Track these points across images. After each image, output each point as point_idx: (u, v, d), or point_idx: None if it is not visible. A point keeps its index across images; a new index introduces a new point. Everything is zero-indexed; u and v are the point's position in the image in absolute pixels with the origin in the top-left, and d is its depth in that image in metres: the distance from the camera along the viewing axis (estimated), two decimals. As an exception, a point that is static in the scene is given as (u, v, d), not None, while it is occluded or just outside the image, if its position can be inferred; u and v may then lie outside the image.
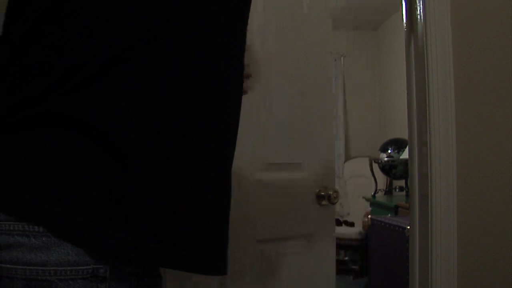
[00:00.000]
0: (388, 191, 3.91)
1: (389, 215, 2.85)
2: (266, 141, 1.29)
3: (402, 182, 3.59)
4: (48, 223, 0.39)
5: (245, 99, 0.54)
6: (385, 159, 3.48)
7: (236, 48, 0.48)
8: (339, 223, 4.17)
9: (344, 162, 4.64)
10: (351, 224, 4.11)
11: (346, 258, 4.17)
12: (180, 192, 0.43)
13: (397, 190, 3.63)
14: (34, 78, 0.42)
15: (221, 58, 0.46)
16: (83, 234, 0.39)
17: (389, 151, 3.53)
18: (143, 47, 0.42)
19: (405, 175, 3.32)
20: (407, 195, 3.27)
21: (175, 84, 0.42)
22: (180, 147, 0.43)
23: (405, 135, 1.72)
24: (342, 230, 3.98)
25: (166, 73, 0.42)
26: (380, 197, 3.66)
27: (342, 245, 3.98)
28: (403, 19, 1.62)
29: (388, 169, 3.47)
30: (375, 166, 3.67)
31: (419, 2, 1.50)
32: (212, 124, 0.45)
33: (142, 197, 0.41)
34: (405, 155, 3.36)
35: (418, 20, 1.52)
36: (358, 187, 4.40)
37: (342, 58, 4.77)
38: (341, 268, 4.08)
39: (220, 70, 0.45)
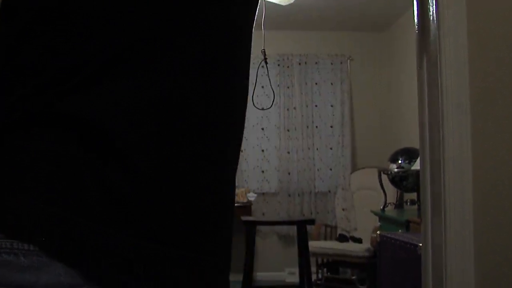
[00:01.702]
0: (399, 204, 3.90)
1: (400, 231, 2.86)
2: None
3: (414, 195, 3.58)
4: (43, 223, 0.40)
5: None
6: (395, 170, 3.49)
7: (237, 48, 0.50)
8: (345, 239, 4.14)
9: (351, 173, 4.64)
10: (359, 240, 4.09)
11: (354, 277, 4.15)
12: (180, 192, 0.45)
13: (408, 203, 3.63)
14: (31, 78, 0.44)
15: (222, 58, 0.48)
16: (82, 234, 0.40)
17: (400, 162, 3.53)
18: (143, 47, 0.44)
19: (417, 187, 3.31)
20: (419, 209, 3.26)
21: (175, 84, 0.44)
22: (180, 147, 0.45)
23: (417, 144, 1.73)
24: (349, 247, 3.95)
25: (166, 73, 0.44)
26: (390, 211, 3.66)
27: (349, 262, 3.95)
28: (414, 19, 1.63)
29: (399, 180, 3.47)
30: (385, 178, 3.66)
31: (432, 1, 1.51)
32: (212, 124, 0.47)
33: (142, 197, 0.43)
34: (417, 165, 3.36)
35: (431, 20, 1.53)
36: (365, 200, 4.40)
37: (348, 60, 4.79)
38: (348, 289, 4.05)
39: (220, 70, 0.47)
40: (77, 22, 0.43)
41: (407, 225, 2.95)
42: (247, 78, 0.52)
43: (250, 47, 0.53)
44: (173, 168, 0.44)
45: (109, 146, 0.42)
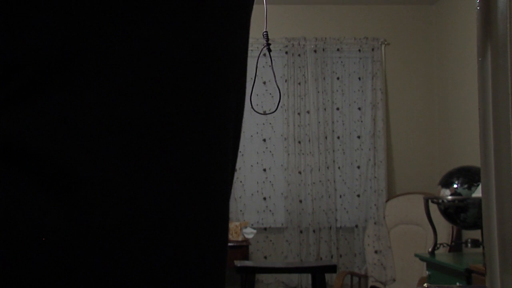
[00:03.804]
0: (455, 246, 3.86)
1: (458, 283, 2.84)
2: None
3: (477, 233, 3.57)
4: None
5: None
6: (449, 197, 3.46)
7: (232, 36, 0.53)
8: (380, 293, 4.11)
9: (386, 201, 4.62)
10: (398, 296, 4.06)
11: None
12: (146, 244, 0.46)
13: (469, 245, 3.60)
14: None
15: (211, 52, 0.51)
16: None
17: (455, 186, 3.51)
18: (96, 45, 0.45)
19: (480, 222, 3.29)
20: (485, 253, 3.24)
21: (142, 95, 0.47)
22: (156, 181, 0.47)
23: (478, 162, 1.72)
24: (385, 305, 3.94)
25: (130, 79, 0.46)
26: (443, 255, 3.62)
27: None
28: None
29: (454, 212, 3.44)
30: (434, 208, 3.63)
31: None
32: (197, 152, 0.50)
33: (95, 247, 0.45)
34: (480, 192, 3.34)
35: (502, -10, 1.49)
36: (408, 239, 4.36)
37: (382, 46, 4.78)
38: None
39: (208, 70, 0.51)
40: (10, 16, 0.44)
41: (467, 276, 2.92)
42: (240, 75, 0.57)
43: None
44: (144, 213, 0.46)
45: (52, 183, 0.44)
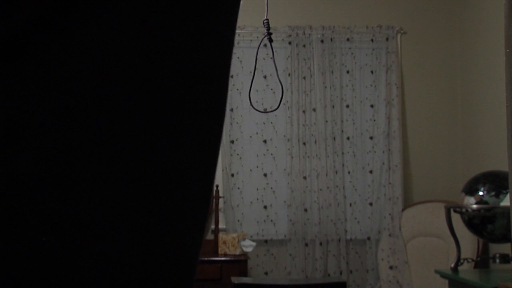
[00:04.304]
0: (482, 261, 3.88)
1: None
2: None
3: (506, 247, 3.57)
4: None
5: None
6: (474, 206, 3.43)
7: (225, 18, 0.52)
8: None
9: (402, 211, 4.60)
10: (416, 317, 4.04)
11: None
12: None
13: (497, 260, 3.60)
14: None
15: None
16: None
17: (481, 193, 3.48)
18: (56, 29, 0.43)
19: (510, 234, 3.25)
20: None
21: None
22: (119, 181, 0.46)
23: (507, 166, 1.70)
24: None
25: (88, 67, 0.44)
26: (468, 272, 3.60)
27: None
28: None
29: (480, 223, 3.42)
30: (457, 218, 3.61)
31: None
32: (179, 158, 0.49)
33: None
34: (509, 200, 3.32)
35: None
36: (427, 253, 4.36)
37: (398, 35, 4.78)
38: None
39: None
40: None
41: (496, 296, 2.90)
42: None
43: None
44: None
45: None
